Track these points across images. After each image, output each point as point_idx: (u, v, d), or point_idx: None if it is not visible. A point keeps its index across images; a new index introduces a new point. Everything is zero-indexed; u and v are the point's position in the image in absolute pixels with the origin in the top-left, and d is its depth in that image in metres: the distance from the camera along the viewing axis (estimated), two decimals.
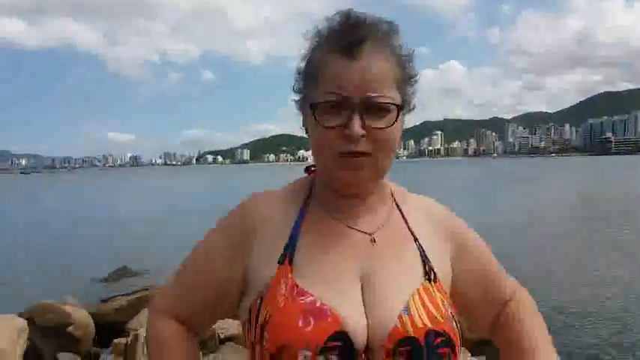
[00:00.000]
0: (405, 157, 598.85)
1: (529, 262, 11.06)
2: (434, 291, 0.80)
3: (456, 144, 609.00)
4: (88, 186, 73.28)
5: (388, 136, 0.78)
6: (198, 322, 0.89)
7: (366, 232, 0.83)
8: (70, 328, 5.39)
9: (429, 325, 0.74)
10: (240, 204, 0.89)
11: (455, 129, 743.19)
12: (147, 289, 6.87)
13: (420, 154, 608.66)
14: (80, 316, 5.66)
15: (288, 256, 0.79)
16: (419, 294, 0.78)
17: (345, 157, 0.76)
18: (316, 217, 0.85)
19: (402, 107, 0.79)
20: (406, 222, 0.88)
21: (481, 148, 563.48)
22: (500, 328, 0.91)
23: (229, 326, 5.14)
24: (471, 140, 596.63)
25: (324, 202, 0.86)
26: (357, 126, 0.74)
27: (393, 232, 0.85)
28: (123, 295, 6.78)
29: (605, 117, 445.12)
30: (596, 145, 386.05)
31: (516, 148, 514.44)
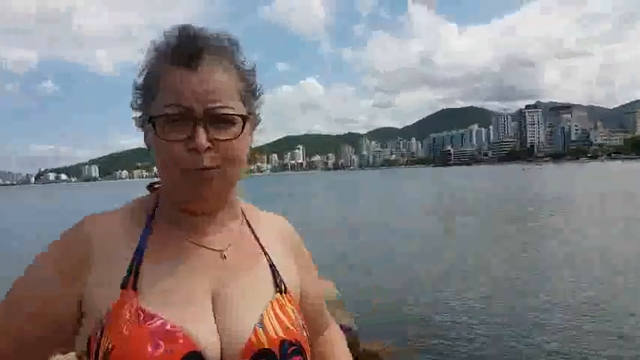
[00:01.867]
0: (268, 172, 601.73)
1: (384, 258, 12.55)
2: (285, 302, 0.81)
3: (316, 158, 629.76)
4: None
5: (235, 148, 0.76)
6: None
7: (215, 249, 0.81)
8: None
9: (283, 335, 0.75)
10: (74, 226, 0.80)
11: (315, 143, 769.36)
12: None
13: (284, 168, 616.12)
14: None
15: (131, 280, 0.73)
16: (272, 306, 0.79)
17: (192, 171, 0.73)
18: (162, 237, 0.80)
19: (247, 118, 0.78)
20: (257, 238, 0.88)
21: (340, 162, 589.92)
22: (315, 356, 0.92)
23: None
24: (330, 154, 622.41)
25: (170, 220, 0.82)
26: (202, 138, 0.72)
27: (244, 248, 0.85)
28: None
29: (445, 132, 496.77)
30: (438, 157, 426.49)
31: (371, 161, 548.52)
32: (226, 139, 0.74)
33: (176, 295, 0.74)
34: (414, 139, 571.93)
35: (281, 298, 0.81)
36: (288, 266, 0.88)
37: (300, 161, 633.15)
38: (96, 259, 0.76)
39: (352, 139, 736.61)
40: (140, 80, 0.79)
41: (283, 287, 0.83)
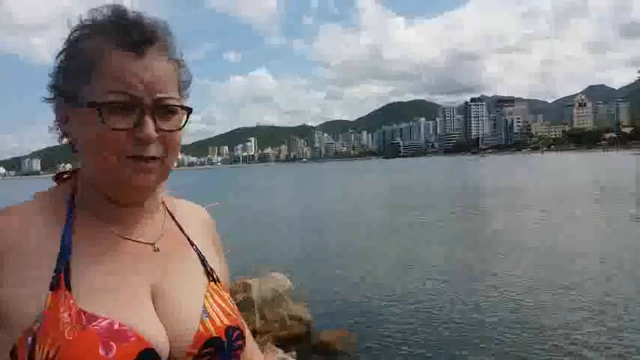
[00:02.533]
0: (219, 164, 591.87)
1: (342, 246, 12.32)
2: (220, 290, 0.82)
3: (268, 150, 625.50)
4: None
5: (177, 139, 0.75)
6: None
7: (146, 242, 0.79)
8: None
9: (227, 322, 0.76)
10: None
11: (267, 135, 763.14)
12: None
13: (235, 160, 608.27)
14: None
15: (61, 279, 0.66)
16: (211, 295, 0.79)
17: (135, 160, 0.70)
18: (88, 231, 0.74)
19: (192, 110, 0.76)
20: (180, 228, 0.86)
21: (292, 154, 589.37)
22: None
23: None
24: (283, 146, 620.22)
25: (95, 213, 0.76)
26: (151, 129, 0.70)
27: (173, 239, 0.83)
28: None
29: (395, 124, 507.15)
30: (388, 149, 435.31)
31: (323, 153, 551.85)
32: (171, 130, 0.73)
33: (115, 293, 0.70)
34: (364, 132, 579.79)
35: (215, 287, 0.82)
36: (212, 257, 0.88)
37: (252, 153, 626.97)
38: (9, 258, 0.67)
39: (304, 131, 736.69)
40: (63, 60, 0.73)
41: (215, 276, 0.83)
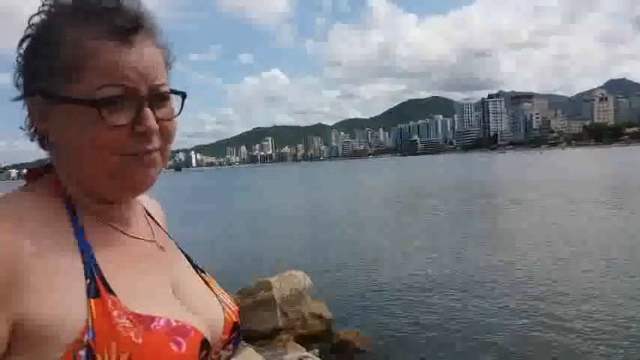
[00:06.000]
0: (237, 164, 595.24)
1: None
2: (210, 280, 0.83)
3: (286, 149, 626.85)
4: None
5: (174, 127, 0.71)
6: None
7: (151, 240, 0.77)
8: None
9: (235, 307, 0.80)
10: None
11: (284, 135, 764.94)
12: None
13: (252, 160, 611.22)
14: None
15: (100, 285, 0.62)
16: (212, 285, 0.81)
17: (135, 157, 0.66)
18: (96, 232, 0.68)
19: (186, 95, 0.72)
20: (155, 222, 0.84)
21: (309, 153, 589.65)
22: None
23: None
24: (299, 145, 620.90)
25: (94, 213, 0.70)
26: (152, 121, 0.66)
27: (161, 234, 0.82)
28: None
29: (412, 122, 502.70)
30: (405, 147, 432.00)
31: (340, 151, 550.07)
32: (169, 119, 0.70)
33: (152, 292, 0.69)
34: (381, 130, 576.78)
35: (205, 277, 0.83)
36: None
37: (269, 153, 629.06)
38: (28, 271, 0.59)
39: (320, 130, 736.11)
40: (45, 53, 0.64)
41: (200, 267, 0.84)
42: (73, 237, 0.65)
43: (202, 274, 0.82)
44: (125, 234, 0.73)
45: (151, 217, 0.84)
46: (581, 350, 5.70)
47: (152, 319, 0.64)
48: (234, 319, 0.78)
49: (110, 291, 0.63)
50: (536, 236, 12.76)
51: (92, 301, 0.61)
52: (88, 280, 0.62)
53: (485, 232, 14.16)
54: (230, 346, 0.77)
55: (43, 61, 0.64)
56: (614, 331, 6.14)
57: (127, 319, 0.62)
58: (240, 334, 0.79)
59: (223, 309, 0.77)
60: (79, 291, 0.61)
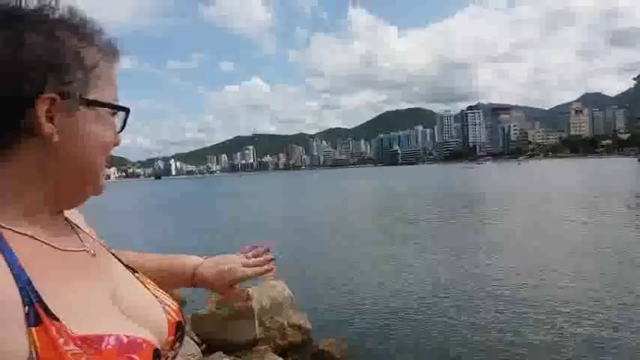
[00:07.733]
0: (218, 172, 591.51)
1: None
2: (144, 277, 0.81)
3: (267, 158, 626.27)
4: None
5: None
6: None
7: (82, 249, 0.72)
8: None
9: (175, 304, 0.79)
10: None
11: (265, 144, 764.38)
12: None
13: (233, 168, 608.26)
14: None
15: (40, 311, 0.56)
16: (146, 284, 0.79)
17: (105, 160, 0.72)
18: (29, 252, 0.61)
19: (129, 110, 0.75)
20: (76, 225, 0.78)
21: (290, 162, 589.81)
22: None
23: None
24: (281, 155, 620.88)
25: (16, 226, 0.62)
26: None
27: (88, 239, 0.77)
28: None
29: (393, 132, 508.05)
30: (386, 157, 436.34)
31: (321, 161, 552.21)
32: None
33: (93, 307, 0.64)
34: (362, 140, 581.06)
35: (140, 276, 0.80)
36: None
37: (250, 162, 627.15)
38: None
39: (302, 139, 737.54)
40: (51, 56, 0.62)
41: (132, 268, 0.81)
42: (1, 259, 0.57)
43: (135, 274, 0.80)
44: (57, 248, 0.67)
45: (67, 220, 0.76)
46: (569, 353, 5.68)
47: (101, 338, 0.60)
48: (177, 319, 0.76)
49: (52, 316, 0.57)
50: (520, 243, 12.93)
51: (34, 330, 0.55)
52: (27, 308, 0.55)
53: (468, 241, 14.22)
54: (176, 345, 0.76)
55: (50, 62, 0.63)
56: (599, 335, 6.17)
57: (75, 344, 0.57)
58: (184, 331, 0.78)
59: (165, 310, 0.75)
60: (17, 322, 0.54)
